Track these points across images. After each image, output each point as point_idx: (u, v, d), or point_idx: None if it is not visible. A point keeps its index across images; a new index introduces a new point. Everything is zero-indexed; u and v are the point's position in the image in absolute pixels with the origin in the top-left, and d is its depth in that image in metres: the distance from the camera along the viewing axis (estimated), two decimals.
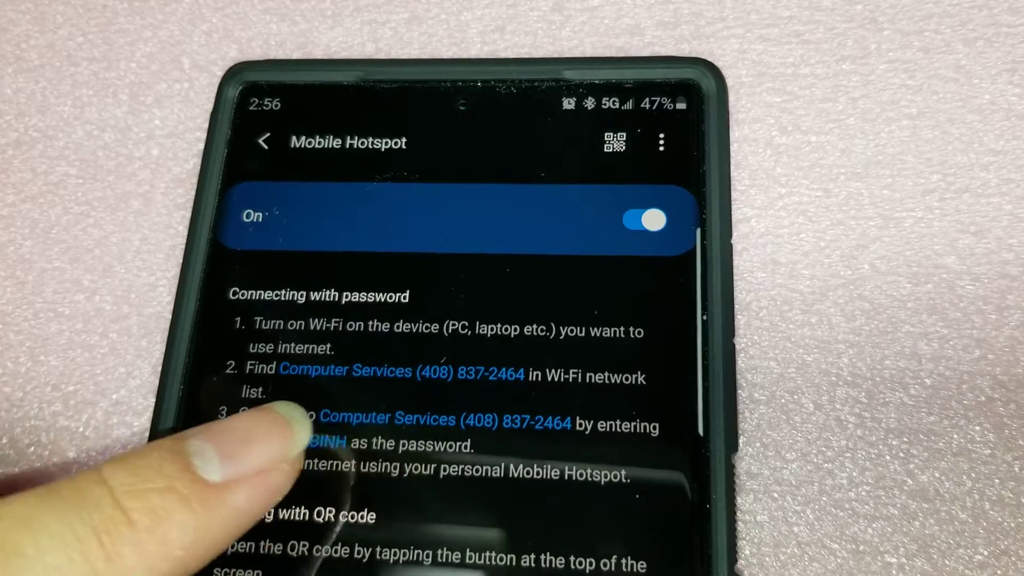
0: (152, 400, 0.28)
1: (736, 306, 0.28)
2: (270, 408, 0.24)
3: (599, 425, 0.26)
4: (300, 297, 0.28)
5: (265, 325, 0.28)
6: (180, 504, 0.21)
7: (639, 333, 0.27)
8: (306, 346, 0.27)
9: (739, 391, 0.27)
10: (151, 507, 0.21)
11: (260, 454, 0.23)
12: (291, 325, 0.27)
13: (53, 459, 0.28)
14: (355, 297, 0.28)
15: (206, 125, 0.32)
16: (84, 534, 0.20)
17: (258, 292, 0.28)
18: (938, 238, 0.29)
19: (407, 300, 0.28)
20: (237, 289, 0.28)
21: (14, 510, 0.20)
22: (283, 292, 0.28)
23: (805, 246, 0.29)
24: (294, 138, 0.30)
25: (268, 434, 0.23)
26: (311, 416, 0.26)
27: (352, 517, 0.25)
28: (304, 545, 0.25)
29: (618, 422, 0.26)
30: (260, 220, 0.29)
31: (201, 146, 0.31)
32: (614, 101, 0.30)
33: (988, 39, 0.31)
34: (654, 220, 0.28)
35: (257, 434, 0.23)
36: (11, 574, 0.19)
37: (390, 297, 0.28)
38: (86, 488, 0.21)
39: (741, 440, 0.27)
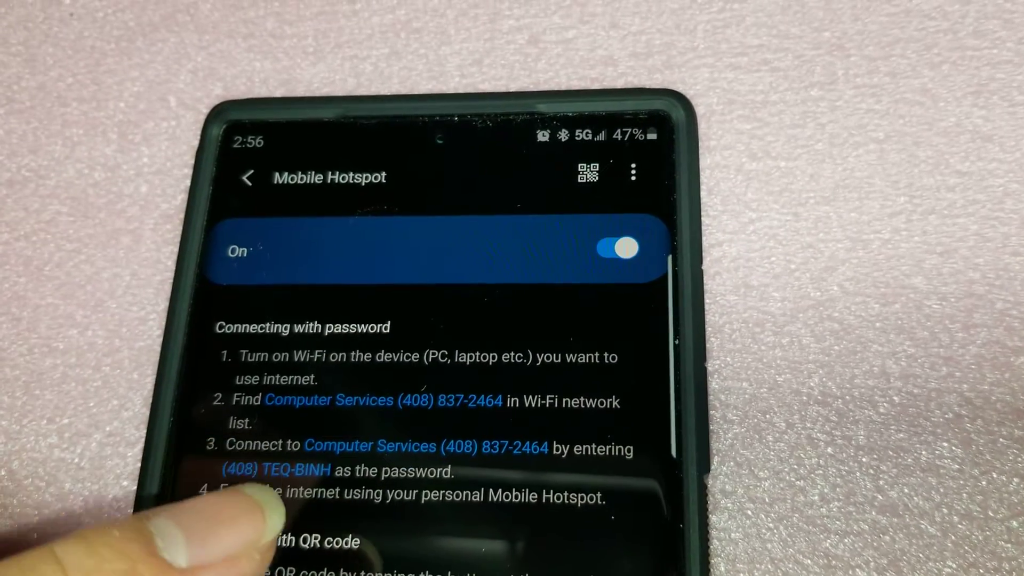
0: (145, 431, 0.29)
1: (709, 329, 0.29)
2: (240, 490, 0.23)
3: (575, 449, 0.27)
4: (284, 330, 0.29)
5: (251, 357, 0.28)
6: None
7: (613, 358, 0.27)
8: (290, 377, 0.28)
9: (713, 412, 0.28)
10: None
11: (229, 539, 0.22)
12: (276, 357, 0.28)
13: (50, 490, 0.29)
14: (338, 329, 0.29)
15: (192, 161, 0.32)
16: None
17: (243, 326, 0.29)
18: (905, 259, 0.30)
19: (388, 331, 0.28)
20: (223, 323, 0.29)
21: None
22: (267, 325, 0.29)
23: (776, 269, 0.30)
24: (277, 174, 0.31)
25: (238, 518, 0.22)
26: (295, 446, 0.27)
27: (336, 543, 0.26)
28: (291, 571, 0.26)
29: (593, 446, 0.27)
30: (245, 255, 0.30)
31: (188, 183, 0.32)
32: (587, 133, 0.30)
33: (953, 63, 0.32)
34: (627, 248, 0.29)
35: (226, 517, 0.22)
36: None
37: (372, 328, 0.28)
38: (36, 568, 0.19)
39: (715, 460, 0.28)
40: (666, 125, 0.30)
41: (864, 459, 0.28)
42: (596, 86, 0.33)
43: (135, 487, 0.28)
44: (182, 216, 0.32)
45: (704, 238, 0.30)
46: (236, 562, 0.21)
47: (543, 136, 0.31)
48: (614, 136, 0.30)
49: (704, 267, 0.30)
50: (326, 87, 0.34)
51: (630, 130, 0.30)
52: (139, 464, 0.29)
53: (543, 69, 0.33)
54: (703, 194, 0.31)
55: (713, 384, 0.29)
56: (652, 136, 0.30)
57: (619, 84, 0.33)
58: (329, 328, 0.29)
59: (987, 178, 0.30)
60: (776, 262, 0.30)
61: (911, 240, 0.30)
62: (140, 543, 0.20)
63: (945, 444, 0.27)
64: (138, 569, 0.19)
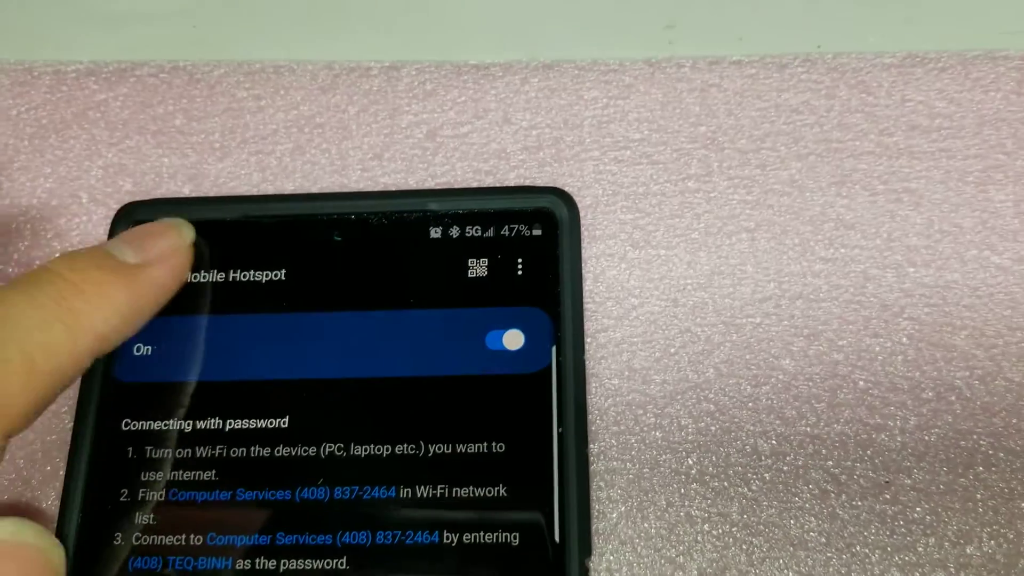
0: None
1: (595, 412, 0.31)
2: (157, 220, 0.32)
3: (464, 538, 0.28)
4: (187, 426, 0.30)
5: (155, 454, 0.30)
6: (114, 275, 0.28)
7: (501, 447, 0.29)
8: (193, 473, 0.29)
9: (599, 492, 0.30)
10: (92, 278, 0.27)
11: (163, 242, 0.30)
12: (179, 453, 0.30)
13: None
14: (238, 424, 0.30)
15: None
16: (44, 301, 0.26)
17: (148, 423, 0.30)
18: (775, 342, 0.32)
19: (286, 425, 0.30)
20: (129, 420, 0.30)
21: None
22: (171, 422, 0.30)
23: (656, 353, 0.32)
24: None
25: (164, 231, 0.31)
26: (198, 540, 0.28)
27: None
28: None
29: (481, 534, 0.28)
30: (149, 353, 0.31)
31: None
32: (476, 229, 0.32)
33: (819, 154, 0.34)
34: (514, 340, 0.31)
35: (155, 231, 0.31)
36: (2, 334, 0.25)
37: (271, 423, 0.30)
38: (38, 275, 0.27)
39: (600, 539, 0.29)
40: (550, 221, 0.32)
41: (738, 534, 0.29)
42: (490, 179, 0.35)
43: None
44: None
45: (590, 323, 0.32)
46: (173, 255, 0.30)
47: (435, 233, 0.32)
48: (502, 232, 0.32)
49: (590, 352, 0.31)
50: (232, 182, 0.35)
51: (517, 226, 0.32)
52: None
53: (440, 162, 0.35)
54: (589, 282, 0.33)
55: (599, 465, 0.30)
56: (537, 232, 0.32)
57: (511, 176, 0.35)
58: (230, 424, 0.30)
59: (849, 264, 0.33)
60: (657, 346, 0.32)
61: (780, 324, 0.32)
62: (101, 254, 0.29)
63: (812, 519, 0.30)
64: (107, 264, 0.28)
